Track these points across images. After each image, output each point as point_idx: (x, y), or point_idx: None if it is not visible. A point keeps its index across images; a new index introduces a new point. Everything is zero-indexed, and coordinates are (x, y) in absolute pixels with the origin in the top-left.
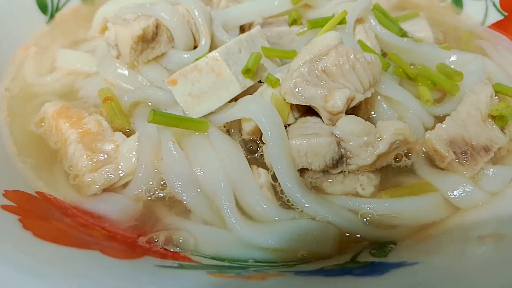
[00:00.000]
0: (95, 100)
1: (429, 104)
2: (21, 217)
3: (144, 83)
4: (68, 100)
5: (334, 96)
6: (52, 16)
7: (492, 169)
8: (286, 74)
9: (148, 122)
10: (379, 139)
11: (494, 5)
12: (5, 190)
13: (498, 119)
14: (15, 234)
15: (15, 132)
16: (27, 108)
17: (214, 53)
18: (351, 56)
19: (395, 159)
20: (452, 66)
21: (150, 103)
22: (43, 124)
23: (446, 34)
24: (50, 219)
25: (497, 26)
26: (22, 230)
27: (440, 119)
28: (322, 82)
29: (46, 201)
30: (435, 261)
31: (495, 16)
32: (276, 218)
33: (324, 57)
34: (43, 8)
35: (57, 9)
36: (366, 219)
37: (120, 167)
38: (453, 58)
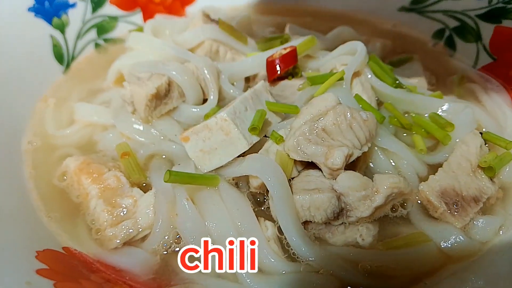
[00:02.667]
0: (113, 153)
1: (423, 153)
2: (56, 282)
3: (158, 137)
4: (87, 153)
5: (333, 154)
6: (68, 65)
7: (481, 219)
8: (289, 132)
9: (165, 182)
10: (375, 193)
11: (485, 49)
12: (37, 251)
13: (487, 170)
14: None
15: (39, 186)
16: (49, 161)
17: (223, 113)
18: (348, 115)
19: (391, 209)
20: (444, 115)
21: (164, 156)
22: (65, 177)
23: (439, 78)
24: (80, 279)
25: (487, 69)
26: None
27: (433, 167)
28: (322, 140)
29: (73, 258)
30: None
31: (485, 59)
32: (283, 271)
33: (324, 117)
34: (59, 58)
35: (73, 58)
36: (365, 270)
37: (138, 221)
38: (445, 107)
